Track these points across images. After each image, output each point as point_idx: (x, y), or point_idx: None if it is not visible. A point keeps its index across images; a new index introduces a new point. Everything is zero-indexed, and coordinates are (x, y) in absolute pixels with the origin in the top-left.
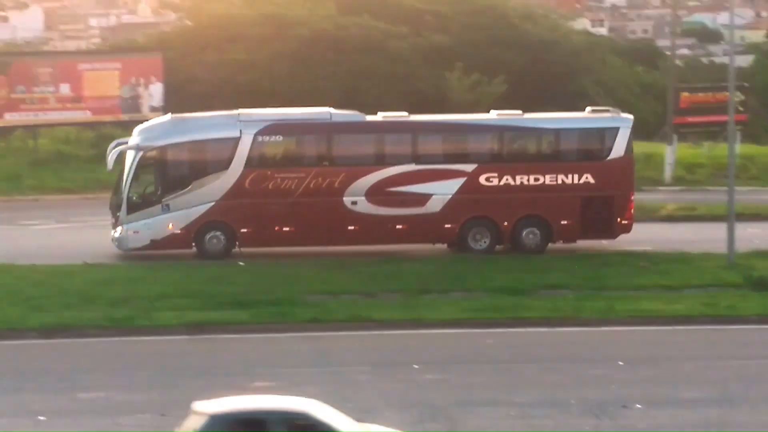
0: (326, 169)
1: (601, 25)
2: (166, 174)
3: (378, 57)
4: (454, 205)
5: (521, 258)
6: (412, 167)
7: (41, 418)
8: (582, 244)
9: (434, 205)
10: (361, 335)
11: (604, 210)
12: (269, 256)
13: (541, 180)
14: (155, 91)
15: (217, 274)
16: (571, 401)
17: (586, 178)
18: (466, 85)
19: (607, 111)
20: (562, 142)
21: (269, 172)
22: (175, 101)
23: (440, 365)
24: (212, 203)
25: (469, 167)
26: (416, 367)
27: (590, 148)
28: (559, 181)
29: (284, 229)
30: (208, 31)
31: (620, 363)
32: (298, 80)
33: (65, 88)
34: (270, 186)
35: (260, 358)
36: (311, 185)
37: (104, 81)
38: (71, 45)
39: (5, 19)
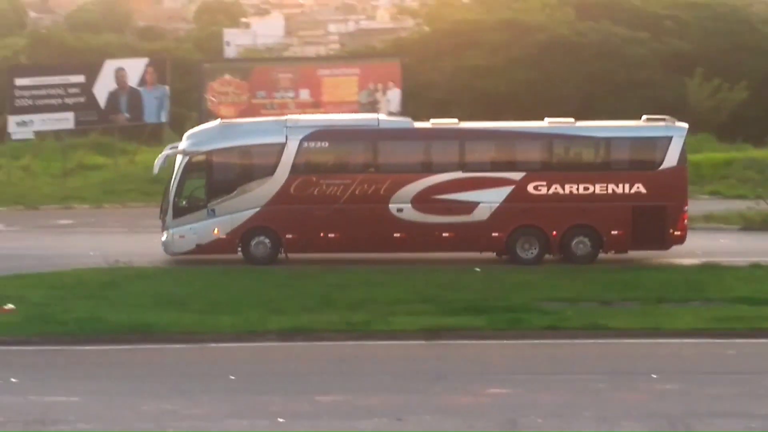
0: (372, 175)
1: None
2: (212, 179)
3: (616, 63)
4: (501, 213)
5: (762, 268)
6: (459, 175)
7: (281, 420)
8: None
9: (481, 213)
10: (598, 343)
11: (656, 220)
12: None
13: (591, 189)
14: (393, 97)
15: (452, 280)
16: None
17: (638, 187)
18: (707, 91)
19: (663, 120)
20: (613, 151)
21: (315, 178)
22: (413, 107)
23: (679, 375)
24: (258, 209)
25: (518, 175)
26: (654, 376)
27: (642, 157)
28: (610, 191)
29: (329, 235)
30: (445, 37)
31: None
32: (535, 86)
33: (305, 94)
34: (315, 192)
35: (495, 364)
36: (357, 192)
37: (343, 86)
38: (310, 51)
39: (247, 26)
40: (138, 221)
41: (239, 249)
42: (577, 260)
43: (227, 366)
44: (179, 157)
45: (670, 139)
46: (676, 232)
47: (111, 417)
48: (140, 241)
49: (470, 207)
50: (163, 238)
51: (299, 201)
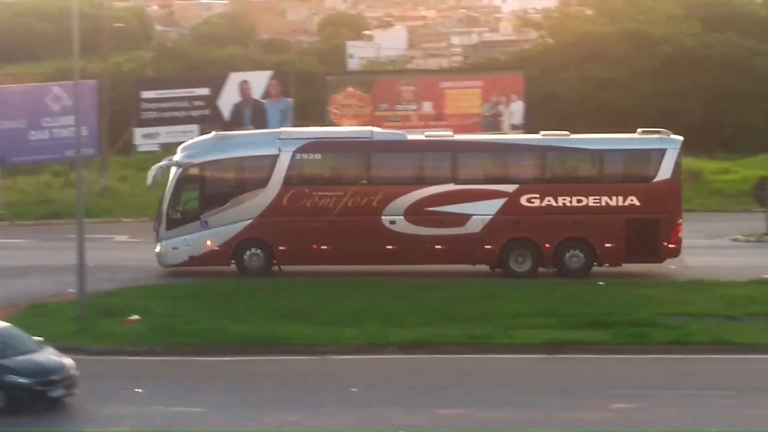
0: (365, 187)
1: None
2: (205, 191)
3: (743, 75)
4: (494, 225)
5: None
6: (451, 187)
7: None
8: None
9: (474, 226)
10: (723, 359)
11: (650, 233)
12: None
13: (585, 201)
14: (516, 109)
15: (574, 293)
16: None
17: (631, 200)
18: None
19: (658, 132)
20: (606, 164)
21: (307, 190)
22: (536, 119)
23: None
24: (250, 220)
25: (511, 188)
26: None
27: (636, 170)
28: (604, 203)
29: (322, 247)
30: (569, 49)
31: None
32: (659, 98)
33: (427, 106)
34: (308, 204)
35: (618, 379)
36: (349, 204)
37: (466, 99)
38: (433, 63)
39: (370, 38)
40: None
41: (232, 261)
42: (570, 273)
43: (349, 378)
44: (173, 169)
45: (664, 151)
46: (670, 245)
47: (234, 427)
48: None
49: (463, 219)
50: (157, 250)
51: (292, 213)
